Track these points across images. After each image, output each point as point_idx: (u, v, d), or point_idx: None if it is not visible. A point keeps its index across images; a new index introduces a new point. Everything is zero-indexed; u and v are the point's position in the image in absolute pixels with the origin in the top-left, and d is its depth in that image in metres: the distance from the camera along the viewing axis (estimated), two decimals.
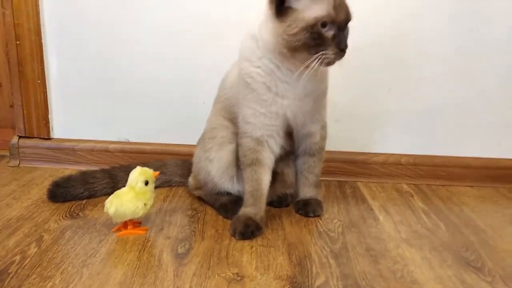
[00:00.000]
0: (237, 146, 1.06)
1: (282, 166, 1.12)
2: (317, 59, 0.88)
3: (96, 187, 1.15)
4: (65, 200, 1.12)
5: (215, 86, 1.15)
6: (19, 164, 1.36)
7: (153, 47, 1.30)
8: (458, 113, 1.38)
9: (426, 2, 1.28)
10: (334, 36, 0.88)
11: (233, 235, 0.99)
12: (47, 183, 1.23)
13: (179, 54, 1.30)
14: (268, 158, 1.04)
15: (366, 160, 1.39)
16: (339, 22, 0.88)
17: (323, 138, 1.10)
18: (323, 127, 1.09)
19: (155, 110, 1.36)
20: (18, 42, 1.27)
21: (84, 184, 1.14)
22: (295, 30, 0.88)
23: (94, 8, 1.25)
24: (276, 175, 1.11)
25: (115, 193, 0.97)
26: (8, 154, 1.43)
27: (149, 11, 1.26)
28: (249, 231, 0.98)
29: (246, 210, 1.02)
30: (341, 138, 1.37)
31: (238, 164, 1.07)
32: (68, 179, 1.14)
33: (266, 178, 1.04)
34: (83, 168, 1.34)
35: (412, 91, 1.36)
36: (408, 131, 1.39)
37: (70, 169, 1.35)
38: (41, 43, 1.27)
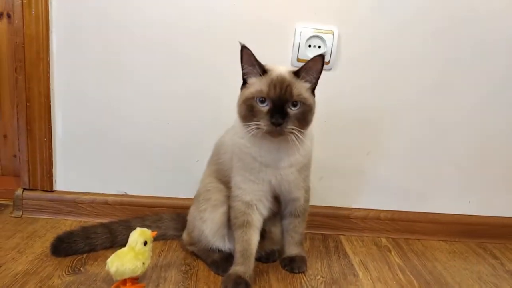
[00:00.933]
0: (229, 208, 1.17)
1: (270, 225, 1.22)
2: (253, 127, 1.00)
3: (97, 241, 1.23)
4: (67, 255, 1.20)
5: (209, 147, 1.27)
6: (21, 215, 1.44)
7: (149, 112, 1.41)
8: (432, 174, 1.52)
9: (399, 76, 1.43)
10: (268, 111, 1.00)
11: None
12: (49, 235, 1.32)
13: (173, 117, 1.42)
14: (257, 220, 1.14)
15: (348, 215, 1.51)
16: (273, 98, 1.00)
17: (307, 200, 1.22)
18: (307, 191, 1.21)
19: (152, 165, 1.46)
20: (28, 104, 1.37)
21: (85, 239, 1.22)
22: (240, 102, 1.05)
23: (99, 80, 1.38)
24: (264, 233, 1.21)
25: (116, 253, 1.05)
26: (10, 203, 1.51)
27: (142, 78, 1.38)
28: None
29: (236, 268, 1.12)
30: (324, 194, 1.49)
31: (229, 224, 1.18)
32: (70, 234, 1.22)
33: (255, 239, 1.14)
34: (84, 219, 1.44)
35: (389, 154, 1.49)
36: (386, 189, 1.52)
37: (71, 220, 1.43)
38: (50, 105, 1.38)
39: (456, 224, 1.53)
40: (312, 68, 1.03)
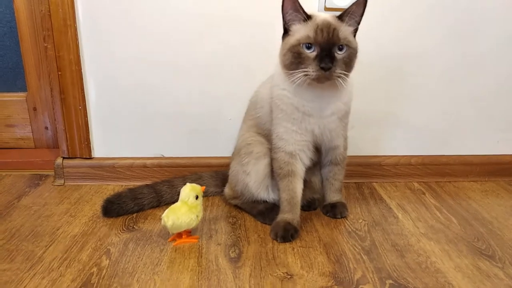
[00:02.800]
0: (271, 159, 1.20)
1: (310, 174, 1.25)
2: (300, 75, 1.01)
3: (144, 201, 1.28)
4: (118, 215, 1.24)
5: (242, 101, 1.29)
6: (64, 183, 1.48)
7: (181, 73, 1.41)
8: (459, 117, 1.53)
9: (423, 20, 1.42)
10: (316, 56, 1.01)
11: (275, 238, 1.13)
12: (95, 199, 1.36)
13: (205, 79, 1.42)
14: (301, 170, 1.17)
15: (379, 162, 1.54)
16: (320, 43, 1.00)
17: (346, 148, 1.24)
18: (345, 139, 1.23)
19: (187, 126, 1.48)
20: (60, 73, 1.38)
21: (134, 199, 1.26)
22: (284, 51, 1.05)
23: (126, 40, 1.37)
24: (305, 183, 1.24)
25: (169, 208, 1.09)
26: (49, 173, 1.55)
27: (174, 38, 1.38)
28: (289, 234, 1.12)
29: (284, 216, 1.16)
30: (356, 143, 1.51)
31: (273, 175, 1.21)
32: (119, 196, 1.26)
33: (299, 187, 1.18)
34: (124, 183, 1.47)
35: (417, 100, 1.50)
36: (416, 134, 1.54)
37: (112, 185, 1.47)
38: (81, 72, 1.38)
39: (486, 164, 1.56)
40: (356, 12, 1.03)
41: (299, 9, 1.03)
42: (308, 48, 1.01)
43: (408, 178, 1.56)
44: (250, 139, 1.24)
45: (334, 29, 1.01)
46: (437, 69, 1.47)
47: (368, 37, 1.37)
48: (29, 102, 1.68)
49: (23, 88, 1.67)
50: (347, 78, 1.03)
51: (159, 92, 1.44)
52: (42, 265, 1.00)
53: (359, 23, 1.06)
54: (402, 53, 1.44)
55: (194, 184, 1.12)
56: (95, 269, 0.99)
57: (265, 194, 1.24)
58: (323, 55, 1.00)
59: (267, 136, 1.21)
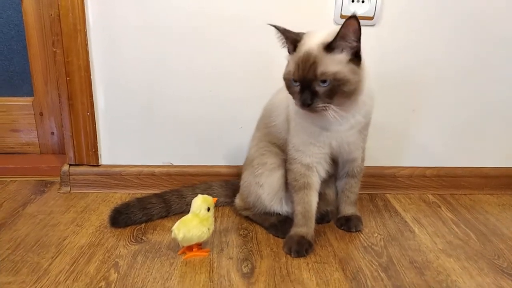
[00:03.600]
0: (286, 170, 1.16)
1: (325, 187, 1.21)
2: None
3: (153, 211, 1.24)
4: (126, 225, 1.21)
5: (254, 109, 1.26)
6: (70, 190, 1.44)
7: (192, 81, 1.39)
8: (476, 129, 1.50)
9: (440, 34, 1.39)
10: (299, 90, 0.97)
11: (289, 253, 1.09)
12: (102, 208, 1.33)
13: (215, 86, 1.39)
14: (316, 182, 1.14)
15: (394, 174, 1.50)
16: (299, 80, 0.96)
17: (363, 160, 1.21)
18: (363, 151, 1.19)
19: (196, 134, 1.44)
20: (68, 78, 1.35)
21: (142, 209, 1.23)
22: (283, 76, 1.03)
23: (135, 47, 1.34)
24: (319, 195, 1.21)
25: (181, 220, 1.06)
26: (55, 180, 1.52)
27: (184, 44, 1.35)
28: (303, 249, 1.08)
29: (298, 229, 1.12)
30: (370, 153, 1.46)
31: (287, 187, 1.17)
32: (127, 206, 1.22)
33: (314, 200, 1.14)
34: (132, 191, 1.44)
35: (433, 111, 1.46)
36: (431, 145, 1.50)
37: (119, 193, 1.44)
38: (90, 78, 1.35)
39: (502, 176, 1.52)
40: (346, 34, 0.93)
41: (285, 42, 1.00)
42: (294, 81, 0.98)
43: (422, 190, 1.52)
44: (264, 149, 1.20)
45: (312, 63, 0.94)
46: (453, 81, 1.44)
47: (382, 47, 1.37)
48: (35, 107, 1.65)
49: (30, 93, 1.64)
50: (337, 109, 0.97)
51: (169, 100, 1.41)
52: (48, 278, 0.97)
53: (357, 41, 0.94)
54: (416, 65, 1.41)
55: (205, 196, 1.09)
56: (103, 283, 0.95)
57: (279, 206, 1.20)
58: (303, 90, 0.96)
59: (282, 146, 1.17)
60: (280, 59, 1.05)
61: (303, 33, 1.01)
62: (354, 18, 0.91)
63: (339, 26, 0.93)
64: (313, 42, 0.97)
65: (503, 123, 1.49)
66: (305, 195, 1.12)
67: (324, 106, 0.96)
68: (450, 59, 1.41)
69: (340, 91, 0.95)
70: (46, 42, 1.56)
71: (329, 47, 0.94)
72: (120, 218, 1.20)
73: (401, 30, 1.37)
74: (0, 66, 1.62)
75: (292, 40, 0.99)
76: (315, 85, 0.95)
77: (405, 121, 1.48)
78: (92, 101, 1.38)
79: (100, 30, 1.33)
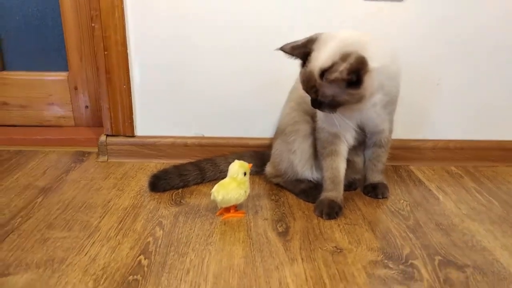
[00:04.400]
0: (315, 139, 1.21)
1: (353, 155, 1.27)
2: None
3: (189, 178, 1.31)
4: (164, 190, 1.28)
5: (284, 82, 1.31)
6: (107, 159, 1.52)
7: (224, 54, 1.43)
8: (499, 102, 1.52)
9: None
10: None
11: (320, 215, 1.15)
12: (140, 176, 1.40)
13: (248, 60, 1.44)
14: (344, 150, 1.19)
15: (418, 146, 1.54)
16: (307, 93, 1.05)
17: (391, 131, 1.25)
18: (391, 122, 1.24)
19: (226, 107, 1.50)
20: (106, 53, 1.41)
21: (179, 176, 1.30)
22: None
23: (172, 23, 1.40)
24: (348, 163, 1.26)
25: (219, 183, 1.12)
26: (90, 150, 1.60)
27: (219, 19, 1.40)
28: (334, 211, 1.15)
29: (328, 194, 1.18)
30: (395, 126, 1.51)
31: (316, 155, 1.23)
32: (165, 172, 1.30)
33: (342, 166, 1.20)
34: (165, 161, 1.51)
35: (458, 84, 1.50)
36: (455, 118, 1.54)
37: (154, 163, 1.51)
38: (127, 53, 1.41)
39: None
40: (333, 82, 0.97)
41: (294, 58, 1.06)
42: None
43: (445, 162, 1.56)
44: (297, 118, 1.25)
45: (313, 86, 1.01)
46: (479, 55, 1.46)
47: (409, 23, 1.39)
48: (70, 82, 1.72)
49: (65, 68, 1.71)
50: (343, 113, 1.08)
51: (201, 73, 1.46)
52: (100, 234, 1.05)
53: (353, 80, 0.97)
54: (442, 38, 1.43)
55: (242, 162, 1.15)
56: (150, 238, 1.03)
57: (309, 173, 1.26)
58: (312, 100, 1.06)
59: (313, 116, 1.23)
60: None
61: (313, 40, 1.03)
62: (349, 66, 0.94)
63: (353, 36, 1.02)
64: (316, 62, 1.00)
65: None
66: (333, 161, 1.17)
67: (331, 112, 1.05)
68: (477, 34, 1.43)
69: (339, 106, 1.03)
70: (81, 18, 1.62)
71: (322, 75, 0.98)
72: (159, 183, 1.27)
73: (428, 5, 1.39)
74: (35, 42, 1.69)
75: (301, 56, 1.04)
76: (319, 99, 1.03)
77: (430, 94, 1.51)
78: (128, 74, 1.44)
79: (136, 6, 1.38)
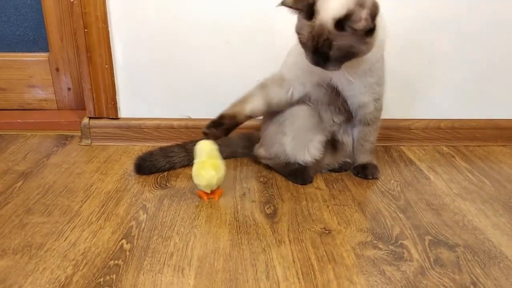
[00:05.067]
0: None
1: (342, 134, 1.24)
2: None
3: (175, 160, 1.27)
4: (150, 172, 1.24)
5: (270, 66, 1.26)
6: (91, 143, 1.47)
7: (210, 33, 1.38)
8: (490, 81, 1.49)
9: None
10: (311, 51, 1.00)
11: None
12: (124, 159, 1.36)
13: (233, 38, 1.39)
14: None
15: (409, 126, 1.52)
16: (314, 49, 0.98)
17: (378, 109, 1.22)
18: (377, 100, 1.20)
19: (214, 89, 1.46)
20: (86, 30, 1.35)
21: (165, 157, 1.26)
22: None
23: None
24: (337, 144, 1.24)
25: (202, 167, 1.08)
26: (75, 133, 1.55)
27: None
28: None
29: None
30: (385, 106, 1.48)
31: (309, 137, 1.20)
32: (151, 154, 1.26)
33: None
34: (151, 144, 1.47)
35: (449, 63, 1.46)
36: (446, 98, 1.51)
37: (139, 146, 1.47)
38: (108, 30, 1.35)
39: None
40: (357, 32, 0.93)
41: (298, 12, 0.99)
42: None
43: (436, 142, 1.54)
44: None
45: (327, 39, 0.95)
46: (469, 33, 1.43)
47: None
48: (51, 63, 1.65)
49: (45, 49, 1.65)
50: (346, 70, 1.03)
51: (186, 53, 1.41)
52: (81, 218, 1.01)
53: (370, 27, 0.93)
54: (435, 19, 1.39)
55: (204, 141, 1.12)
56: (133, 222, 1.00)
57: (302, 156, 1.22)
58: (316, 53, 0.99)
59: None
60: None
61: None
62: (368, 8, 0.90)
63: None
64: (327, 12, 0.95)
65: None
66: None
67: (335, 68, 1.00)
68: (469, 14, 1.39)
69: (351, 57, 1.00)
70: None
71: (341, 25, 0.93)
72: (145, 165, 1.24)
73: None
74: (15, 22, 1.62)
75: (307, 8, 0.96)
76: (328, 53, 0.97)
77: (421, 73, 1.48)
78: (110, 53, 1.39)
79: None
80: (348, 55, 0.98)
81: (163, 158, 1.25)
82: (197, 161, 1.09)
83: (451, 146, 1.53)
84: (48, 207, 1.06)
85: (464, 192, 1.18)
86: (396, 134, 1.52)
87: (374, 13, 0.91)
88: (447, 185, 1.22)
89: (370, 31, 0.95)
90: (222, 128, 1.15)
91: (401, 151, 1.49)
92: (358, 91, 1.14)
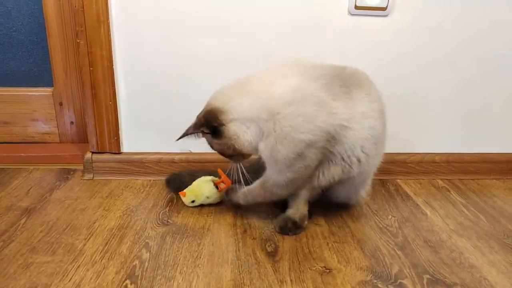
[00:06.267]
0: None
1: None
2: None
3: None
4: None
5: None
6: (93, 177, 1.49)
7: (212, 68, 1.43)
8: (483, 116, 1.55)
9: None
10: None
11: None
12: (126, 194, 1.38)
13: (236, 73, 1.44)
14: None
15: (404, 160, 1.55)
16: None
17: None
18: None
19: None
20: (91, 68, 1.39)
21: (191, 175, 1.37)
22: None
23: (157, 38, 1.39)
24: None
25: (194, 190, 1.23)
26: (76, 167, 1.57)
27: (204, 34, 1.39)
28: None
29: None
30: None
31: None
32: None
33: None
34: (152, 178, 1.49)
35: (443, 98, 1.52)
36: (440, 132, 1.56)
37: (141, 180, 1.49)
38: (113, 68, 1.40)
39: (509, 162, 1.58)
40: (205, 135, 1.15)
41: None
42: None
43: (432, 176, 1.57)
44: None
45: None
46: (463, 68, 1.49)
47: (394, 37, 1.41)
48: (55, 97, 1.69)
49: (50, 84, 1.69)
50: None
51: (189, 86, 1.45)
52: (84, 257, 1.02)
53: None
54: (429, 53, 1.46)
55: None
56: (137, 261, 1.01)
57: None
58: None
59: None
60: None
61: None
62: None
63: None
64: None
65: (510, 110, 1.55)
66: None
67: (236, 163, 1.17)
68: (462, 47, 1.46)
69: (230, 157, 1.15)
70: (66, 34, 1.60)
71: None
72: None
73: (413, 19, 1.41)
74: (20, 58, 1.66)
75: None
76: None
77: (416, 107, 1.53)
78: (115, 90, 1.43)
79: (122, 21, 1.37)
80: (225, 154, 1.14)
81: (189, 175, 1.35)
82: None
83: (446, 179, 1.57)
84: (52, 245, 1.07)
85: (460, 228, 1.21)
86: (393, 167, 1.56)
87: (201, 121, 1.11)
88: (444, 221, 1.25)
89: (215, 133, 1.09)
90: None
91: (398, 184, 1.52)
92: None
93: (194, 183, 1.31)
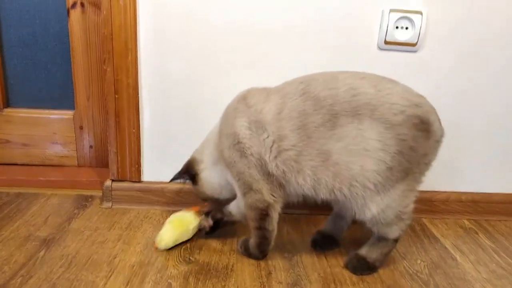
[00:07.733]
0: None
1: None
2: None
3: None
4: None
5: None
6: (111, 206, 1.47)
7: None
8: (510, 155, 1.51)
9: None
10: None
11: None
12: (145, 226, 1.35)
13: None
14: None
15: (430, 198, 1.51)
16: None
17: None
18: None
19: None
20: (116, 96, 1.38)
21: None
22: None
23: (181, 67, 1.38)
24: None
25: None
26: (93, 193, 1.54)
27: (230, 66, 1.39)
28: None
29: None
30: None
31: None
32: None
33: None
34: (172, 208, 1.46)
35: (468, 136, 1.49)
36: (466, 170, 1.52)
37: (160, 210, 1.46)
38: (138, 97, 1.38)
39: None
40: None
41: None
42: None
43: (457, 215, 1.53)
44: None
45: None
46: (492, 107, 1.46)
47: (424, 73, 1.39)
48: (76, 121, 1.68)
49: (71, 107, 1.68)
50: None
51: (208, 119, 1.42)
52: None
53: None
54: (459, 90, 1.43)
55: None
56: None
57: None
58: None
59: None
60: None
61: None
62: None
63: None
64: None
65: None
66: None
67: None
68: (494, 84, 1.43)
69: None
70: (90, 58, 1.60)
71: None
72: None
73: (444, 55, 1.39)
74: (43, 80, 1.66)
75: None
76: None
77: (443, 146, 1.49)
78: (138, 118, 1.41)
79: (150, 49, 1.36)
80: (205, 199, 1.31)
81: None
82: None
83: (472, 220, 1.52)
84: (73, 282, 1.04)
85: (494, 277, 1.16)
86: (418, 206, 1.50)
87: (183, 169, 1.28)
88: (475, 268, 1.21)
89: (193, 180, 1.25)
90: None
91: (423, 224, 1.48)
92: None
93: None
